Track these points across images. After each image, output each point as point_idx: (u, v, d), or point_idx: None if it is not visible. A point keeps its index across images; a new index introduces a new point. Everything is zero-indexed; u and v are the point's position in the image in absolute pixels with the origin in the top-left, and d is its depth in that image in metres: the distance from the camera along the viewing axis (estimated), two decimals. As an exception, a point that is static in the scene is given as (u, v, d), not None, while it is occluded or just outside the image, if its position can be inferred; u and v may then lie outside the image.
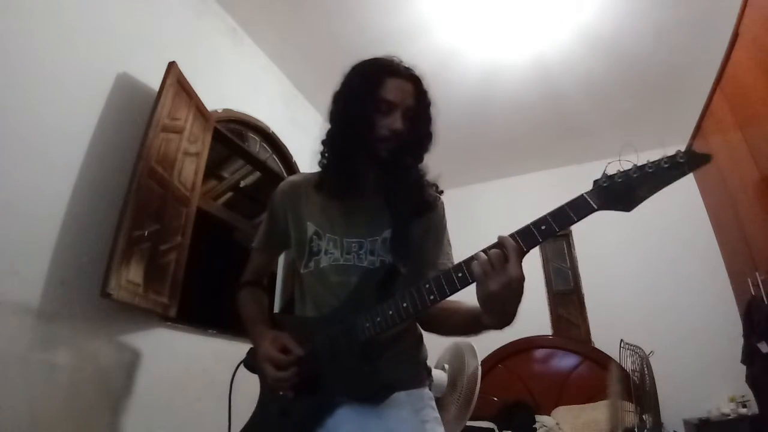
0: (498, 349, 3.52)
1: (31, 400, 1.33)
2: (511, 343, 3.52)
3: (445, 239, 1.03)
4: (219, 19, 2.54)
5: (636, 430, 2.29)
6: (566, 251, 3.96)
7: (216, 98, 2.33)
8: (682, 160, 0.66)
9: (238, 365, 1.02)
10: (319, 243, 0.97)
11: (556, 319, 3.71)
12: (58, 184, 1.56)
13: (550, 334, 3.65)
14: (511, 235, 0.71)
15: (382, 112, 0.93)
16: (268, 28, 2.71)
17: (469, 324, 0.84)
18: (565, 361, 3.43)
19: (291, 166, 3.00)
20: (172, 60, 1.93)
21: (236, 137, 2.61)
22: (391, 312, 0.81)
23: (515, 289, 0.69)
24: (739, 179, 2.22)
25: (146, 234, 1.72)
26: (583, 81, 3.04)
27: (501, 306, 0.72)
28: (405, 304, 0.79)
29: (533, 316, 3.62)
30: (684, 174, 0.66)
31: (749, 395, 2.53)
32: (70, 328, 1.50)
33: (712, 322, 3.07)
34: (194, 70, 2.10)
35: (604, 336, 3.35)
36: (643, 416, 2.32)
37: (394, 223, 0.95)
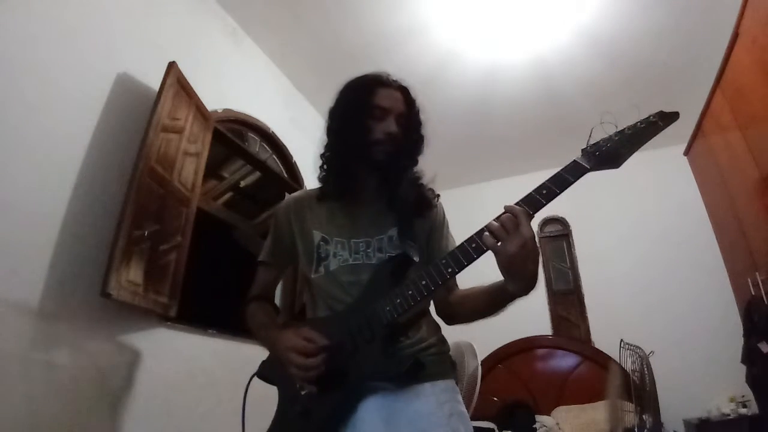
0: (498, 349, 3.52)
1: (31, 400, 1.33)
2: (511, 343, 3.52)
3: (450, 234, 1.08)
4: (219, 19, 2.54)
5: (636, 430, 2.29)
6: (566, 251, 3.96)
7: (216, 98, 2.33)
8: (654, 119, 0.75)
9: (251, 378, 0.98)
10: (327, 248, 0.99)
11: (556, 319, 3.71)
12: (58, 184, 1.56)
13: (550, 334, 3.65)
14: (517, 203, 0.76)
15: (377, 118, 0.98)
16: (268, 28, 2.71)
17: (495, 299, 0.86)
18: (565, 361, 3.43)
19: (291, 166, 3.00)
20: (172, 60, 1.93)
21: (236, 137, 2.61)
22: (410, 291, 0.83)
23: (531, 248, 0.74)
24: (739, 179, 2.22)
25: (146, 234, 1.72)
26: (583, 81, 3.04)
27: (522, 267, 0.75)
28: (424, 282, 0.82)
29: (533, 316, 3.62)
30: (659, 130, 0.76)
31: (749, 395, 2.53)
32: (70, 328, 1.50)
33: (712, 322, 3.07)
34: (194, 70, 2.10)
35: (604, 336, 3.35)
36: (643, 416, 2.32)
37: (398, 222, 0.98)
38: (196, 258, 2.11)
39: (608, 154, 0.77)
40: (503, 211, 0.75)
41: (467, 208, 4.08)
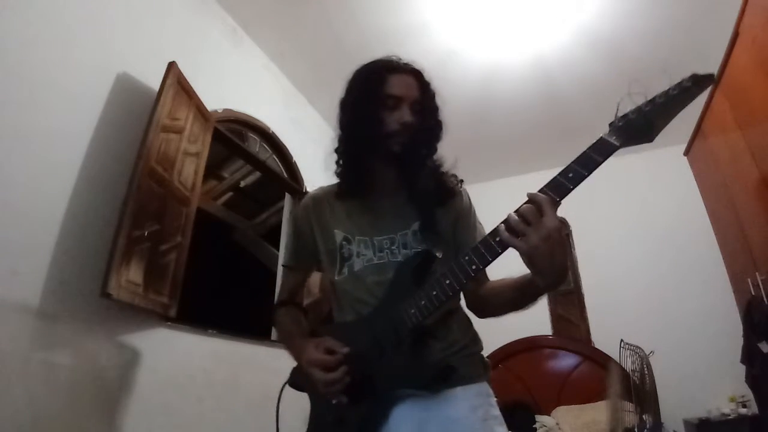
0: (498, 349, 3.51)
1: (31, 400, 1.33)
2: (511, 343, 3.51)
3: (477, 222, 1.02)
4: (219, 19, 2.54)
5: (636, 430, 2.29)
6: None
7: (216, 98, 2.32)
8: (688, 84, 0.66)
9: (283, 386, 0.97)
10: (350, 247, 0.95)
11: (556, 319, 3.71)
12: (58, 184, 1.56)
13: (550, 334, 3.65)
14: (541, 190, 0.70)
15: (390, 107, 0.93)
16: (268, 28, 2.71)
17: (524, 293, 0.81)
18: (565, 361, 3.43)
19: (291, 166, 3.00)
20: (172, 60, 1.93)
21: (236, 137, 2.61)
22: (435, 292, 0.79)
23: (556, 240, 0.67)
24: (739, 179, 2.22)
25: (146, 234, 1.72)
26: (583, 81, 3.04)
27: (548, 261, 0.68)
28: (447, 281, 0.77)
29: (533, 316, 3.58)
30: (693, 96, 0.66)
31: (749, 395, 2.53)
32: (70, 328, 1.50)
33: (712, 322, 3.07)
34: (194, 70, 2.10)
35: (604, 336, 3.35)
36: (643, 416, 2.32)
37: (421, 214, 0.93)
38: (196, 258, 2.11)
39: (639, 127, 0.69)
40: (526, 200, 0.69)
41: (467, 208, 4.07)
